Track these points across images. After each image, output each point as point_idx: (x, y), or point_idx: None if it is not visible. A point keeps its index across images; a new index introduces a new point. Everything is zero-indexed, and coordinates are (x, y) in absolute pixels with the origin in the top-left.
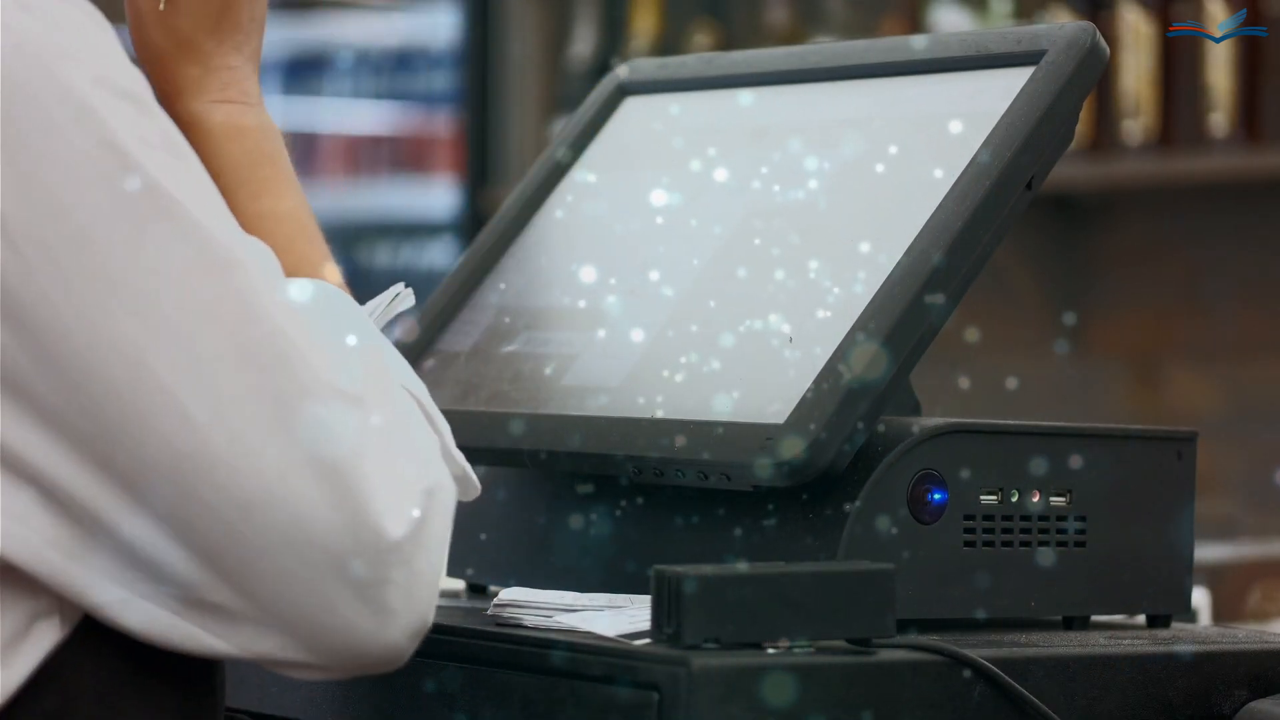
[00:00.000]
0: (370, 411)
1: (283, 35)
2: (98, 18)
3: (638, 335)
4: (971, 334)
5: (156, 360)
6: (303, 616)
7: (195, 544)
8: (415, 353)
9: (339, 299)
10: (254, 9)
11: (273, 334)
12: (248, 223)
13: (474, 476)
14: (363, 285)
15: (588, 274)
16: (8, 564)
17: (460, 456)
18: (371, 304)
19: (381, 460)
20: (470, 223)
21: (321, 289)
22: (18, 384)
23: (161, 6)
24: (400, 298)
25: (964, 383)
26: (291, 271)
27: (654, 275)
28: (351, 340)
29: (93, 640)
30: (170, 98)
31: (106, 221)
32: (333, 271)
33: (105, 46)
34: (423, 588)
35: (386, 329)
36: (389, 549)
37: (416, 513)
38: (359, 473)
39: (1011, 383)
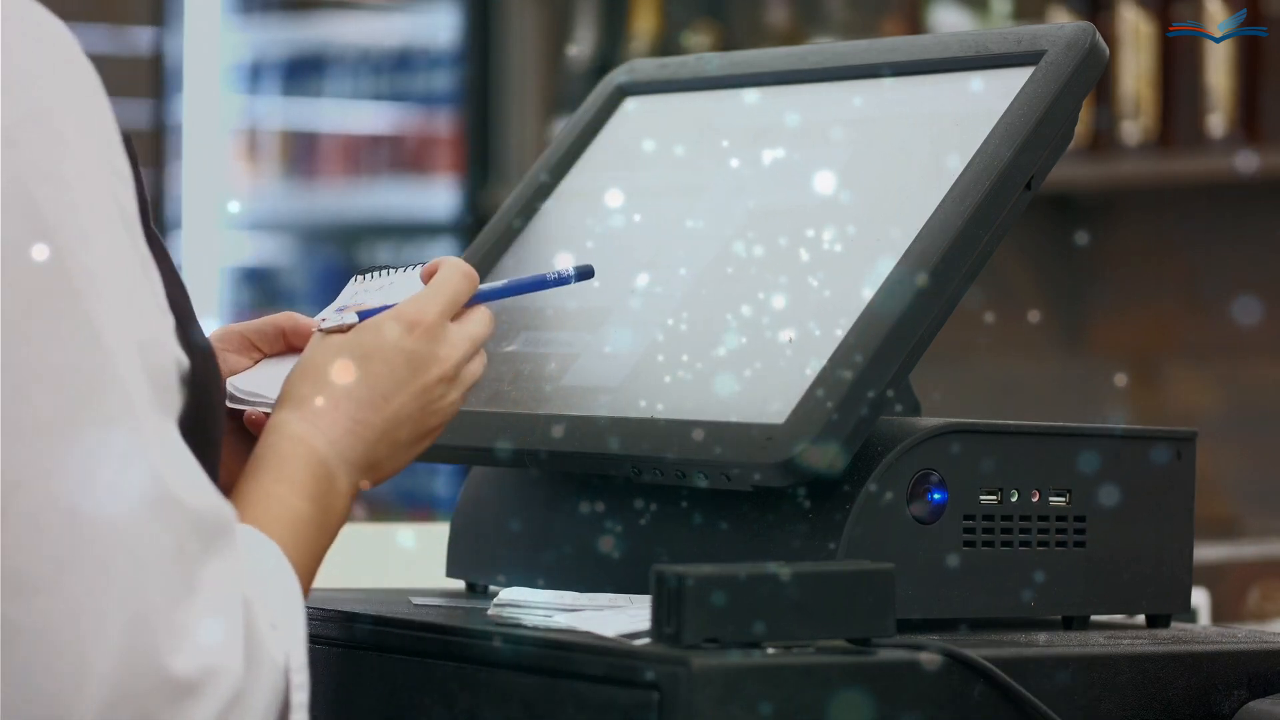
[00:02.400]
0: (194, 544)
1: (283, 35)
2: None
3: (638, 335)
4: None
5: None
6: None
7: None
8: None
9: (266, 555)
10: (394, 403)
11: (109, 421)
12: (261, 497)
13: None
14: None
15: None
16: None
17: None
18: (414, 277)
19: (180, 599)
20: (470, 223)
21: (250, 535)
22: None
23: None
24: (345, 314)
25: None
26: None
27: (654, 275)
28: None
29: None
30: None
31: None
32: (305, 573)
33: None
34: None
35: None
36: (141, 691)
37: (192, 676)
38: (143, 593)
39: (1011, 383)
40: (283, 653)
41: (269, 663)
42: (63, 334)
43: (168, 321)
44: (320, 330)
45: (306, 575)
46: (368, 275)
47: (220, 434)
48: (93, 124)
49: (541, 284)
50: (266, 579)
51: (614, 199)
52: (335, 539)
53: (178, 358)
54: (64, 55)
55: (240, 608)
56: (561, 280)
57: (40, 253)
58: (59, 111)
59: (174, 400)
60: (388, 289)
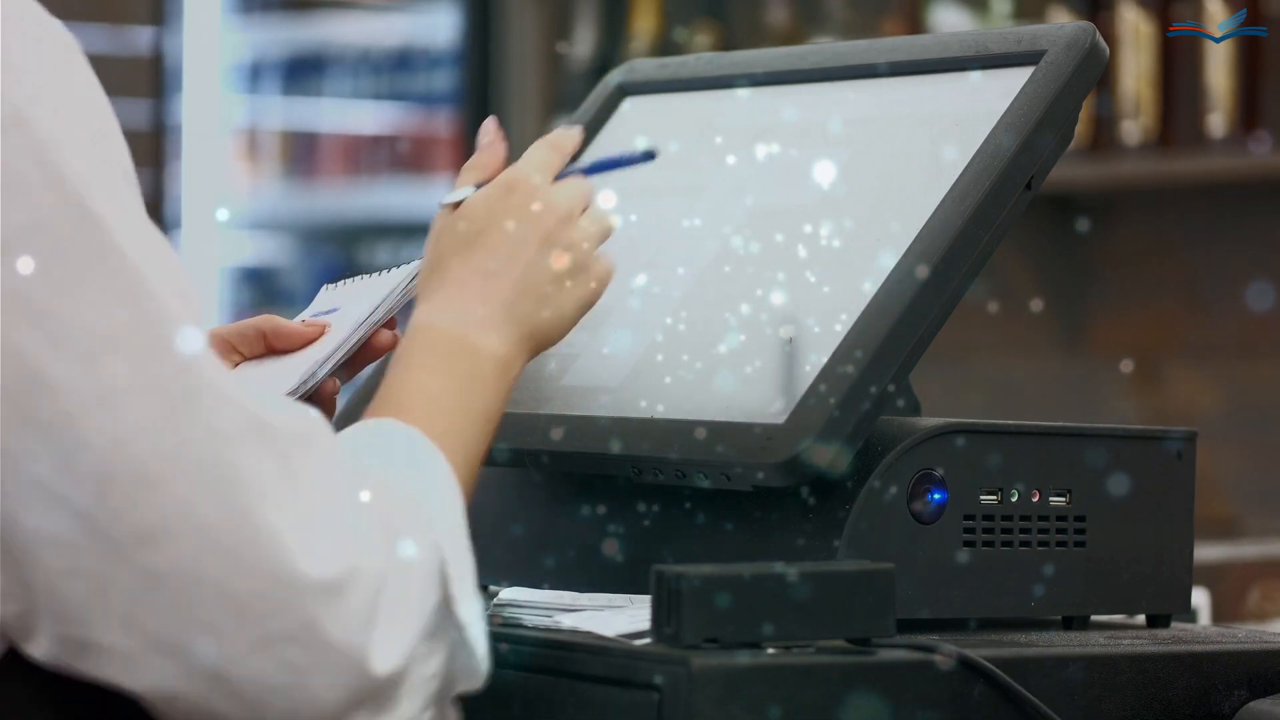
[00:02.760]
0: (295, 466)
1: (283, 35)
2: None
3: (638, 335)
4: (972, 334)
5: (56, 376)
6: (195, 658)
7: (86, 574)
8: None
9: (396, 438)
10: (519, 258)
11: (183, 370)
12: (392, 390)
13: (479, 658)
14: None
15: None
16: None
17: (474, 628)
18: (390, 278)
19: (298, 508)
20: None
21: (376, 427)
22: None
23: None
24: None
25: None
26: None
27: (654, 275)
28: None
29: (17, 666)
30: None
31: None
32: (450, 449)
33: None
34: (337, 661)
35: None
36: (292, 600)
37: (333, 575)
38: (269, 516)
39: (1011, 383)
40: (428, 527)
41: (411, 542)
42: (119, 293)
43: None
44: (441, 205)
45: (457, 444)
46: (337, 284)
47: None
48: (95, 120)
49: (617, 164)
50: (398, 461)
51: (613, 199)
52: (502, 402)
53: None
54: (63, 56)
55: (360, 500)
56: (632, 159)
57: (75, 214)
58: (58, 105)
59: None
60: (362, 290)
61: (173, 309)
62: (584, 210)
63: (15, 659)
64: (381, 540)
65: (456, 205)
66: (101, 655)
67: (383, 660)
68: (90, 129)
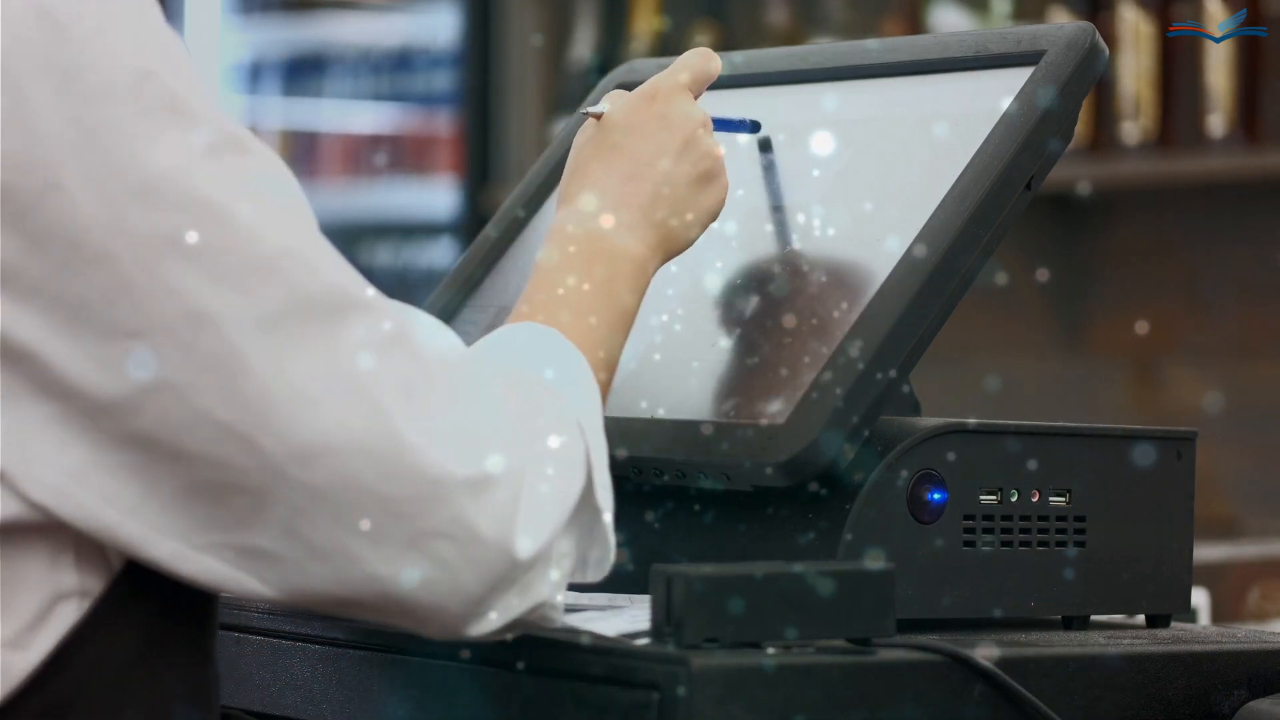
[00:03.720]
0: (437, 373)
1: (283, 35)
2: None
3: (638, 335)
4: (972, 334)
5: (215, 308)
6: (352, 562)
7: (249, 491)
8: None
9: (534, 338)
10: (659, 163)
11: (332, 290)
12: (533, 289)
13: (610, 548)
14: None
15: None
16: (61, 525)
17: (607, 514)
18: None
19: (441, 413)
20: (470, 223)
21: (513, 331)
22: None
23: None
24: None
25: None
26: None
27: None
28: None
29: (108, 623)
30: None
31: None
32: (582, 339)
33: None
34: (484, 551)
35: None
36: (441, 498)
37: (478, 472)
38: (415, 422)
39: (1011, 383)
40: (569, 417)
41: (551, 435)
42: (264, 223)
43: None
44: (582, 112)
45: (595, 343)
46: None
47: None
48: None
49: (726, 125)
50: (539, 359)
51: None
52: (638, 299)
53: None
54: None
55: (502, 398)
56: (741, 125)
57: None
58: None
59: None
60: None
61: (313, 234)
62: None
63: (106, 617)
64: (523, 435)
65: (597, 116)
66: (260, 559)
67: (525, 546)
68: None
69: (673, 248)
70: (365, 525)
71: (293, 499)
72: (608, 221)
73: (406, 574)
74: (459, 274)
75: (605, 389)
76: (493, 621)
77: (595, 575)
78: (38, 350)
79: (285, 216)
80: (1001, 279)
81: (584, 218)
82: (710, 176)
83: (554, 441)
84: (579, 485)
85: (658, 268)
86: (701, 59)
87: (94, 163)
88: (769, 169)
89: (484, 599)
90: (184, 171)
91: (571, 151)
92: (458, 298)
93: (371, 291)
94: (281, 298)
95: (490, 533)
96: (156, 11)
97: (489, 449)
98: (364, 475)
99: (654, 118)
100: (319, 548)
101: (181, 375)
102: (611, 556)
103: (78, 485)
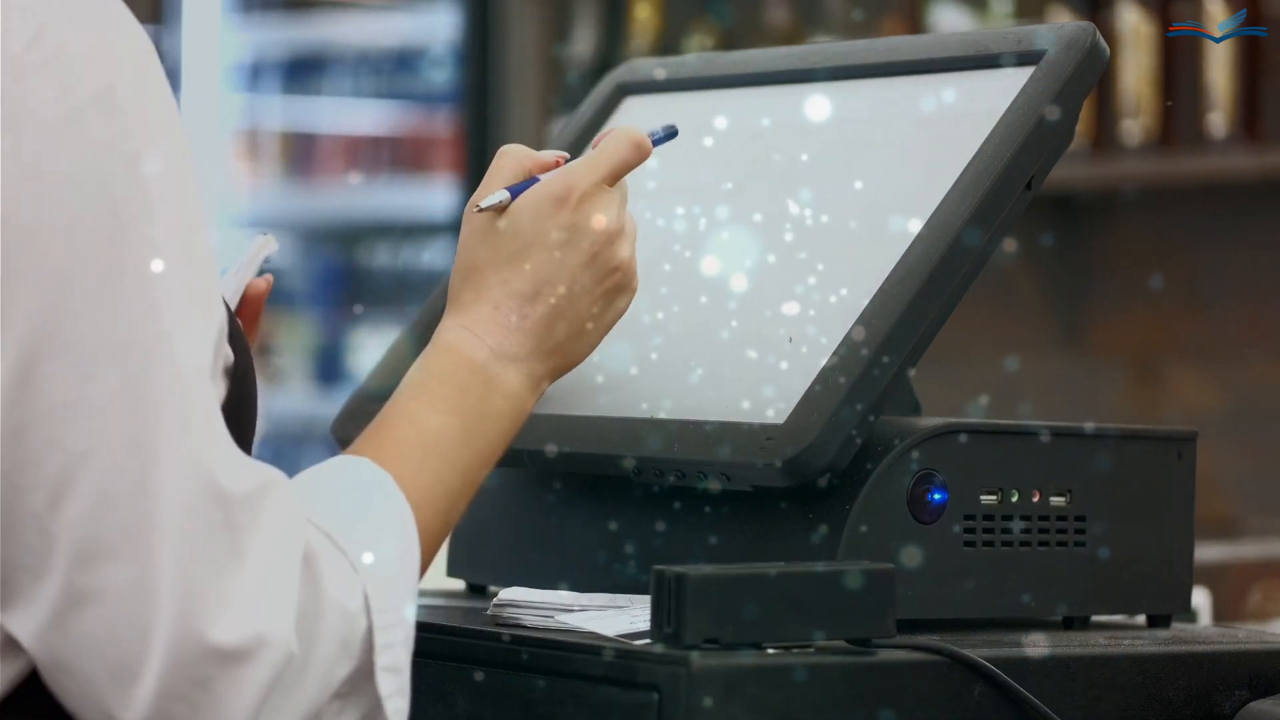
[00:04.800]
0: (240, 519)
1: (283, 35)
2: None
3: (638, 335)
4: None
5: (46, 375)
6: (98, 697)
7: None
8: (416, 353)
9: (370, 493)
10: (561, 284)
11: (166, 399)
12: (393, 416)
13: (395, 709)
14: (363, 285)
15: None
16: None
17: (391, 702)
18: (239, 261)
19: (229, 575)
20: None
21: (355, 471)
22: None
23: (479, 213)
24: (264, 244)
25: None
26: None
27: (653, 275)
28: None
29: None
30: (451, 295)
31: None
32: (422, 506)
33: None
34: None
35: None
36: (195, 662)
37: (241, 643)
38: (201, 578)
39: (1011, 383)
40: (358, 596)
41: (333, 617)
42: (127, 309)
43: (220, 312)
44: (477, 209)
45: (443, 492)
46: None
47: (255, 415)
48: (155, 98)
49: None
50: (361, 518)
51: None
52: (507, 439)
53: (225, 352)
54: (123, 31)
55: (295, 573)
56: (658, 138)
57: (106, 229)
58: (121, 88)
59: (218, 385)
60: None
61: (176, 331)
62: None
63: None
64: (302, 613)
65: (498, 210)
66: (11, 658)
67: None
68: (157, 113)
69: (564, 367)
70: (114, 659)
71: (55, 597)
72: (495, 350)
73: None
74: None
75: (439, 540)
76: None
77: None
78: None
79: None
80: (1001, 279)
81: (471, 340)
82: (616, 290)
83: (333, 624)
84: (344, 672)
85: (543, 392)
86: (631, 149)
87: None
88: (768, 168)
89: None
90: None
91: (462, 242)
92: None
93: (209, 428)
94: (115, 387)
95: (233, 708)
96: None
97: (260, 623)
98: (126, 606)
99: (562, 228)
100: (64, 664)
101: (14, 454)
102: None
103: None
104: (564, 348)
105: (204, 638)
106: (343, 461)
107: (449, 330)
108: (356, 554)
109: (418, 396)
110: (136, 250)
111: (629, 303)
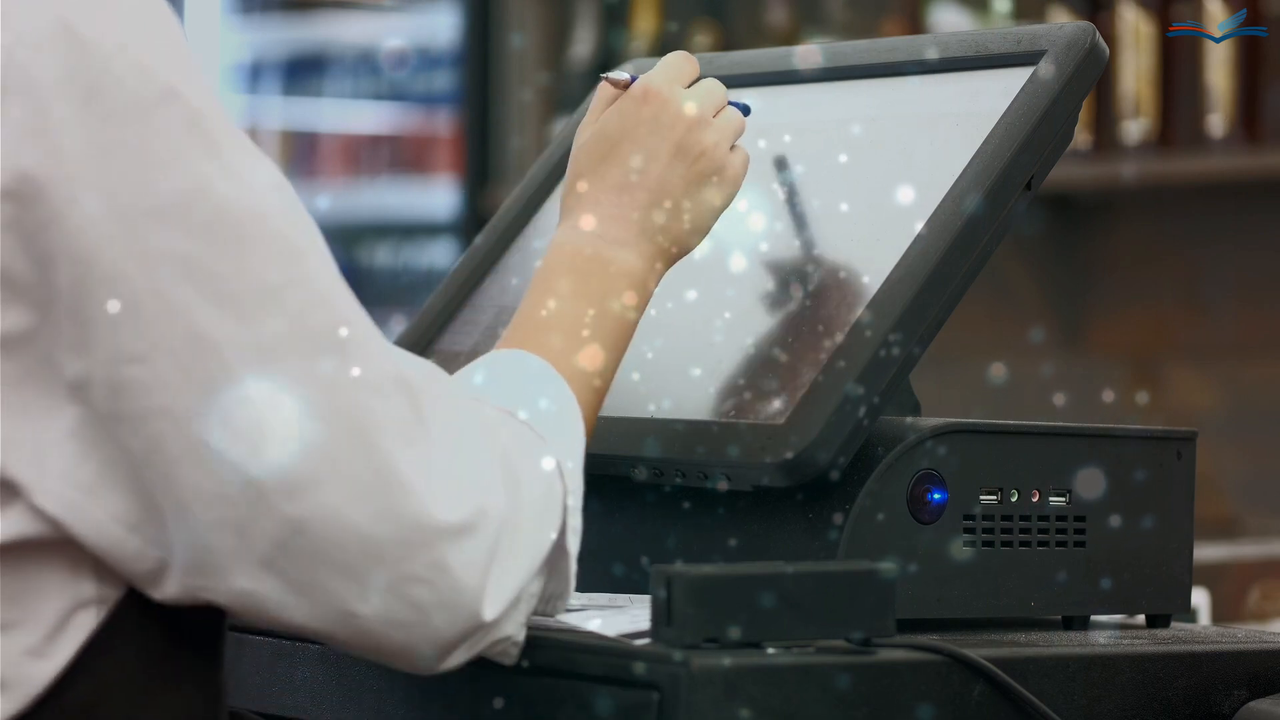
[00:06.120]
0: (427, 415)
1: (283, 35)
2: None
3: (638, 335)
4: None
5: (217, 334)
6: (329, 598)
7: (233, 524)
8: (415, 352)
9: (522, 372)
10: (652, 170)
11: (333, 325)
12: (526, 313)
13: (570, 587)
14: (363, 285)
15: None
16: (67, 541)
17: (575, 560)
18: None
19: (430, 456)
20: (470, 223)
21: (502, 361)
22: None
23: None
24: None
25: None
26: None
27: None
28: (480, 379)
29: (125, 630)
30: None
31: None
32: (574, 379)
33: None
34: (459, 598)
35: None
36: (425, 543)
37: (462, 519)
38: (404, 465)
39: (1011, 383)
40: (552, 461)
41: (533, 480)
42: (273, 254)
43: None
44: (604, 78)
45: (583, 368)
46: None
47: None
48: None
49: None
50: (524, 395)
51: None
52: (638, 315)
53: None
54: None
55: (490, 442)
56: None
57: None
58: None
59: None
60: None
61: (321, 264)
62: (718, 111)
63: (123, 624)
64: (508, 482)
65: (617, 83)
66: (233, 596)
67: (492, 604)
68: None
69: (681, 250)
70: (345, 563)
71: (275, 533)
72: (602, 237)
73: (381, 615)
74: (459, 274)
75: (594, 410)
76: (458, 659)
77: (552, 611)
78: (53, 363)
79: (296, 246)
80: (1001, 280)
81: (578, 234)
82: (708, 175)
83: (535, 489)
84: (553, 535)
85: (660, 276)
86: (678, 59)
87: (111, 182)
88: (768, 168)
89: (454, 644)
90: (200, 195)
91: (571, 157)
92: (457, 298)
93: (373, 330)
94: (283, 330)
95: (466, 582)
96: (179, 30)
97: (475, 496)
98: (349, 512)
99: (645, 121)
100: (296, 582)
101: (179, 400)
102: (570, 595)
103: (89, 500)
104: (668, 230)
105: (432, 519)
106: (496, 355)
107: (558, 234)
108: (536, 424)
109: (545, 292)
110: (257, 200)
111: (729, 196)
